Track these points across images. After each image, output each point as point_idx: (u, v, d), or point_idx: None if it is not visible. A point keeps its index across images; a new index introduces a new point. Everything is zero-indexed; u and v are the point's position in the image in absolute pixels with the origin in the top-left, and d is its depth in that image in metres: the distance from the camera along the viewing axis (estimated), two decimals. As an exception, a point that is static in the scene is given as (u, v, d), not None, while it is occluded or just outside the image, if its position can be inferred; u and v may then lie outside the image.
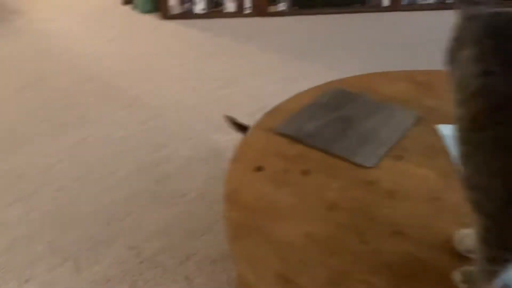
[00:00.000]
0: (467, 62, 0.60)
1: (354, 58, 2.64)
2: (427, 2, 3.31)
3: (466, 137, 0.62)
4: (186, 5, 3.20)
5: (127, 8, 3.41)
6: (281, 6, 3.24)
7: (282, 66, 2.61)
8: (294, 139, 1.05)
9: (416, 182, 0.92)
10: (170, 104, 2.27)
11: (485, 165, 0.61)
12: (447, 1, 3.31)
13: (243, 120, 1.51)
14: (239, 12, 3.23)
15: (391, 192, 0.90)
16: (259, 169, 0.97)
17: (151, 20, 3.23)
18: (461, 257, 0.74)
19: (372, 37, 2.95)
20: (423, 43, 2.76)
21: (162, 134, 2.05)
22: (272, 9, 3.24)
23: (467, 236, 0.75)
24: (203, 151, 1.94)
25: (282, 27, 3.11)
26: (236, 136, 1.27)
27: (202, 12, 3.22)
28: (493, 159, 0.60)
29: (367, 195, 0.90)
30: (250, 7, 3.21)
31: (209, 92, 2.37)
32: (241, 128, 1.45)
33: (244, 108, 2.13)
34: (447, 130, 1.04)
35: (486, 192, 0.63)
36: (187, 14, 3.21)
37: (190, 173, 1.82)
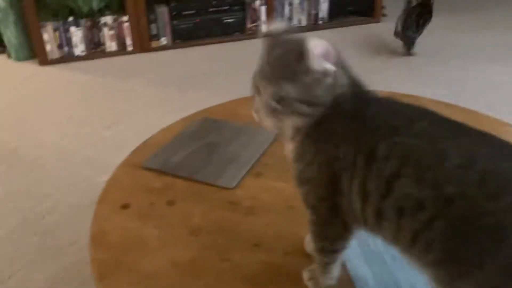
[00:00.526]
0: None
1: (236, 84, 2.74)
2: (299, 25, 3.55)
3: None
4: (65, 49, 3.14)
5: (1, 57, 3.26)
6: (163, 41, 3.29)
7: (167, 99, 2.64)
8: (161, 171, 1.09)
9: (273, 195, 1.00)
10: (52, 152, 2.20)
11: (310, 160, 0.71)
12: (318, 22, 3.58)
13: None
14: (121, 50, 3.23)
15: (251, 208, 0.96)
16: (125, 206, 0.98)
17: (29, 67, 3.12)
18: (310, 258, 0.82)
19: (253, 63, 3.09)
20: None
21: (46, 184, 1.98)
22: (154, 44, 3.28)
23: (312, 237, 0.83)
24: (91, 195, 1.89)
25: (166, 61, 3.16)
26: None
27: (82, 54, 3.17)
28: (316, 155, 0.70)
29: (229, 215, 0.95)
30: (131, 44, 3.23)
31: (94, 134, 2.33)
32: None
33: (131, 146, 2.13)
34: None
35: (311, 185, 0.72)
36: (67, 58, 3.15)
37: (79, 220, 1.77)
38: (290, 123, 0.70)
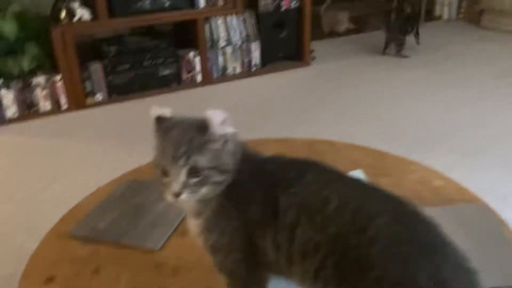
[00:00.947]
0: None
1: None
2: (234, 73, 3.67)
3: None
4: (-4, 112, 3.07)
5: None
6: (99, 97, 3.30)
7: (104, 156, 2.64)
8: (87, 238, 1.09)
9: (198, 253, 1.03)
10: (-16, 221, 2.12)
11: (224, 228, 0.76)
12: (252, 70, 3.72)
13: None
14: (56, 110, 3.20)
15: (176, 269, 0.99)
16: (50, 280, 0.98)
17: (-42, 133, 3.02)
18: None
19: (190, 112, 3.15)
20: (234, 110, 3.04)
21: (-23, 256, 1.90)
22: (89, 101, 3.28)
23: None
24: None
25: (102, 117, 3.16)
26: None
27: (14, 116, 3.11)
28: (229, 222, 0.76)
29: (155, 278, 0.97)
30: (66, 102, 3.21)
31: (29, 198, 2.28)
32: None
33: (66, 208, 2.10)
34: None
35: (226, 251, 0.77)
36: (-1, 121, 3.08)
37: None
38: (202, 195, 0.73)
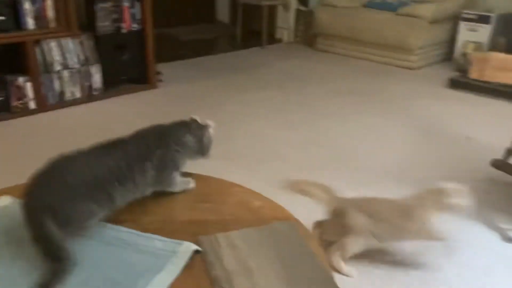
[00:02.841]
0: None
1: (8, 169, 2.50)
2: (73, 97, 3.45)
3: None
4: None
5: None
6: None
7: None
8: None
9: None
10: None
11: None
12: (93, 93, 3.53)
13: None
14: None
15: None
16: None
17: None
18: None
19: (22, 142, 2.86)
20: (71, 135, 2.84)
21: None
22: None
23: None
24: None
25: None
26: None
27: None
28: None
29: None
30: None
31: None
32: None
33: None
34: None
35: None
36: None
37: None
38: None
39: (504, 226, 2.06)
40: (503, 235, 2.00)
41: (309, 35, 5.48)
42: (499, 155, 2.49)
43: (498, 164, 2.46)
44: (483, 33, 4.40)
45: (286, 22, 5.69)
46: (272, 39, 5.73)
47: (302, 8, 5.60)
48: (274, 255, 0.99)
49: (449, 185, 1.67)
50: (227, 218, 1.14)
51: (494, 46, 4.20)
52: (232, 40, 5.82)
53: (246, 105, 3.53)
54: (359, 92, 3.91)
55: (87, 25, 3.48)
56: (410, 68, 4.58)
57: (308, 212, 1.52)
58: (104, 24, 3.49)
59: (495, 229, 2.03)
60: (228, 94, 3.78)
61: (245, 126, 3.14)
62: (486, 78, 3.77)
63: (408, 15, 4.56)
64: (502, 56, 3.70)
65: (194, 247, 0.99)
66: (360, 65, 4.73)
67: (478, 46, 4.36)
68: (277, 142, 2.91)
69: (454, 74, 4.18)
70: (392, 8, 4.81)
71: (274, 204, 1.21)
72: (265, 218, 1.15)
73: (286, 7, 5.63)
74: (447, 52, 4.87)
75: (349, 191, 2.29)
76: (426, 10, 4.42)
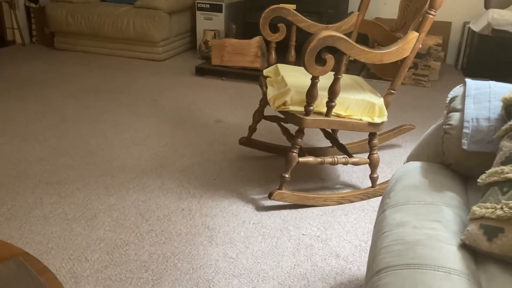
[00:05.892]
0: None
1: None
2: None
3: None
4: None
5: None
6: None
7: None
8: None
9: None
10: None
11: None
12: None
13: None
14: None
15: None
16: None
17: None
18: None
19: None
20: None
21: None
22: None
23: None
24: None
25: None
26: None
27: None
28: None
29: None
30: None
31: None
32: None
33: None
34: None
35: None
36: None
37: None
38: None
39: (257, 196, 2.24)
40: (257, 205, 2.17)
41: (45, 34, 5.00)
42: (246, 133, 2.70)
43: (245, 142, 2.67)
44: (218, 21, 4.72)
45: (16, 22, 5.06)
46: (3, 42, 5.04)
47: (32, 5, 5.05)
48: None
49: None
50: None
51: (228, 33, 4.56)
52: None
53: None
54: (107, 90, 3.75)
55: None
56: (157, 60, 4.62)
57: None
58: None
59: (250, 202, 2.19)
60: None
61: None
62: (225, 63, 4.06)
63: (145, 7, 4.56)
64: (235, 41, 4.02)
65: None
66: (105, 62, 4.54)
67: (215, 34, 4.66)
68: (19, 160, 2.55)
69: (199, 62, 4.38)
70: (129, 1, 4.74)
71: (2, 242, 1.01)
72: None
73: (12, 5, 4.99)
74: (191, 41, 5.09)
75: (111, 195, 2.17)
76: (162, 2, 4.50)
